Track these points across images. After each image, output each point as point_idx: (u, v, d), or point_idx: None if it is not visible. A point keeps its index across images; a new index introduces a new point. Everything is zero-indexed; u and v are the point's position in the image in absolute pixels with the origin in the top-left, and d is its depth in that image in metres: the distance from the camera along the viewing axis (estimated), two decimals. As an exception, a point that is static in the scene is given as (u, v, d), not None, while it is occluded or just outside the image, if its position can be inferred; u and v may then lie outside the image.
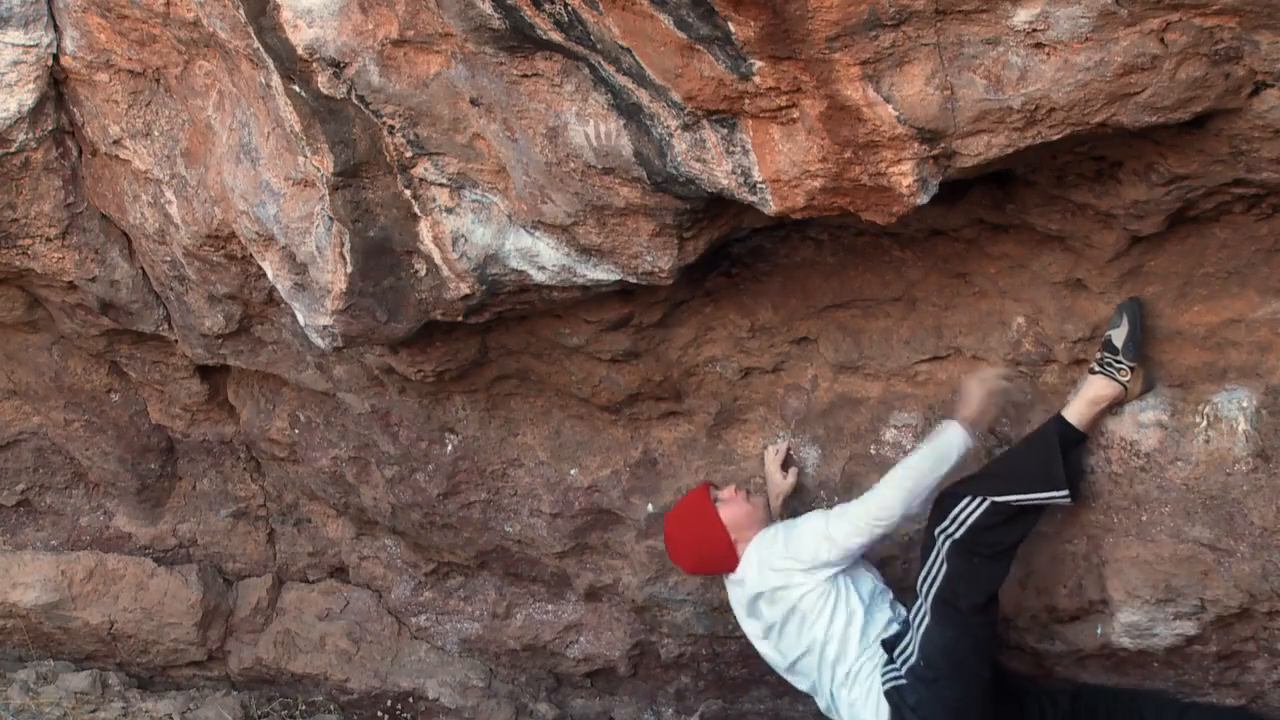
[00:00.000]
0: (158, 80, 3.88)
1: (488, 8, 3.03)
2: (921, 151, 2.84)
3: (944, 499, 3.63)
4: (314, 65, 3.31)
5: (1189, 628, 3.73)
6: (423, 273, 3.64)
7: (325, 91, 3.36)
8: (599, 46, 2.97)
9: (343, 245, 3.63)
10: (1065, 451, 3.56)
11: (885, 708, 3.66)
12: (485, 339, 4.04)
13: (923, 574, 3.65)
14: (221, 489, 5.01)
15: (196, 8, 3.56)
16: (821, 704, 3.93)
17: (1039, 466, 3.56)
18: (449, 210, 3.52)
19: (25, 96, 3.90)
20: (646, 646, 4.69)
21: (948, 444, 3.60)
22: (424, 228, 3.56)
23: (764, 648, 3.96)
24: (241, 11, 3.37)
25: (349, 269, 3.66)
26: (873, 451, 4.03)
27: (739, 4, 2.66)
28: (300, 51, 3.30)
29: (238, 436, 4.85)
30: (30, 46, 3.84)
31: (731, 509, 3.88)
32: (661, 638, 4.61)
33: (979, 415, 3.63)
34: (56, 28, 3.85)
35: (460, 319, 3.74)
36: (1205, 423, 3.57)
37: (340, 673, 5.05)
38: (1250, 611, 3.65)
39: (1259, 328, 3.44)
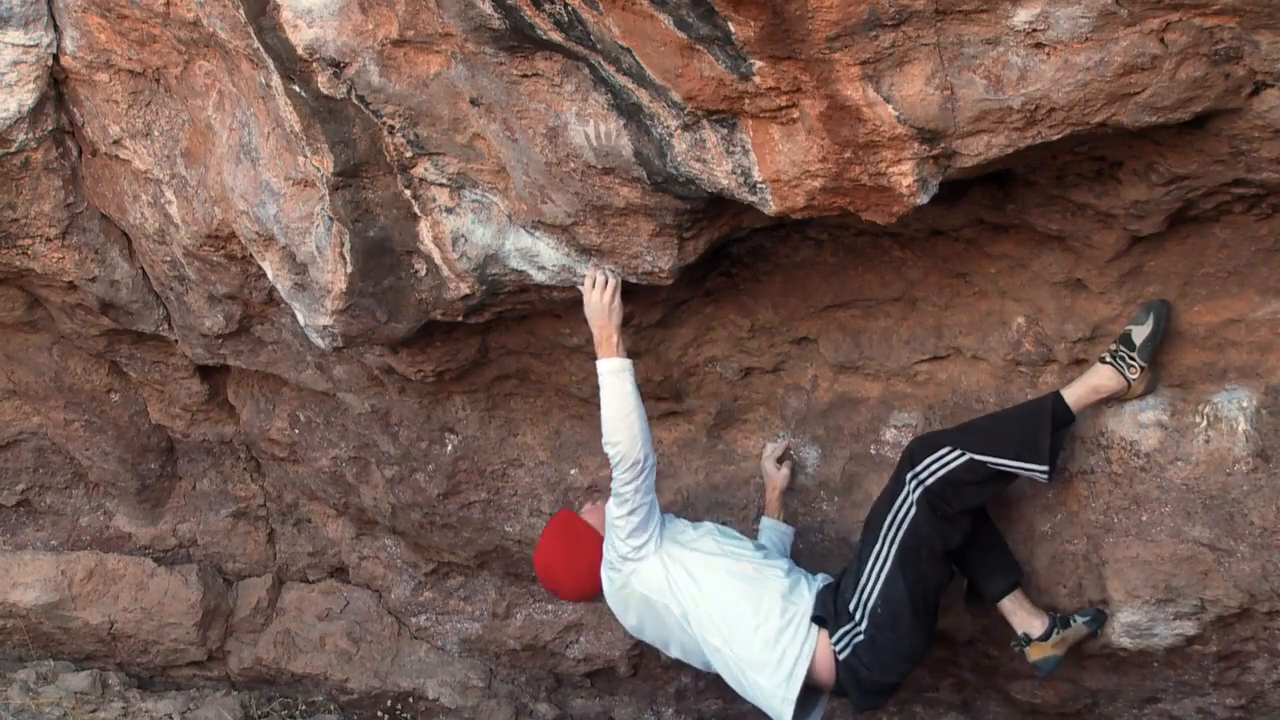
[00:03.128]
0: (158, 80, 3.88)
1: (488, 8, 3.03)
2: (921, 151, 2.84)
3: (920, 445, 3.56)
4: (314, 65, 3.31)
5: (1189, 628, 3.73)
6: (423, 273, 3.64)
7: (325, 91, 3.36)
8: (599, 46, 2.97)
9: (343, 245, 3.63)
10: (1054, 429, 3.52)
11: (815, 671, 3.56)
12: (485, 339, 4.04)
13: (889, 519, 3.55)
14: (221, 489, 5.01)
15: (196, 8, 3.56)
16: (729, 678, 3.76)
17: (1026, 436, 3.51)
18: (449, 210, 3.52)
19: (25, 96, 3.90)
20: (646, 646, 4.69)
21: (602, 375, 3.50)
22: (424, 228, 3.56)
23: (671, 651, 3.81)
24: (241, 11, 3.37)
25: (349, 269, 3.66)
26: (873, 451, 4.03)
27: (739, 4, 2.66)
28: (300, 51, 3.30)
29: (238, 436, 4.85)
30: (30, 46, 3.84)
31: (594, 516, 3.81)
32: (661, 638, 4.61)
33: (601, 338, 3.50)
34: (56, 28, 3.85)
35: (460, 319, 3.74)
36: (1205, 423, 3.57)
37: (340, 673, 5.05)
38: (1250, 611, 3.65)
39: (1259, 328, 3.44)
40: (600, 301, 3.48)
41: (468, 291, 3.62)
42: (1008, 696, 4.27)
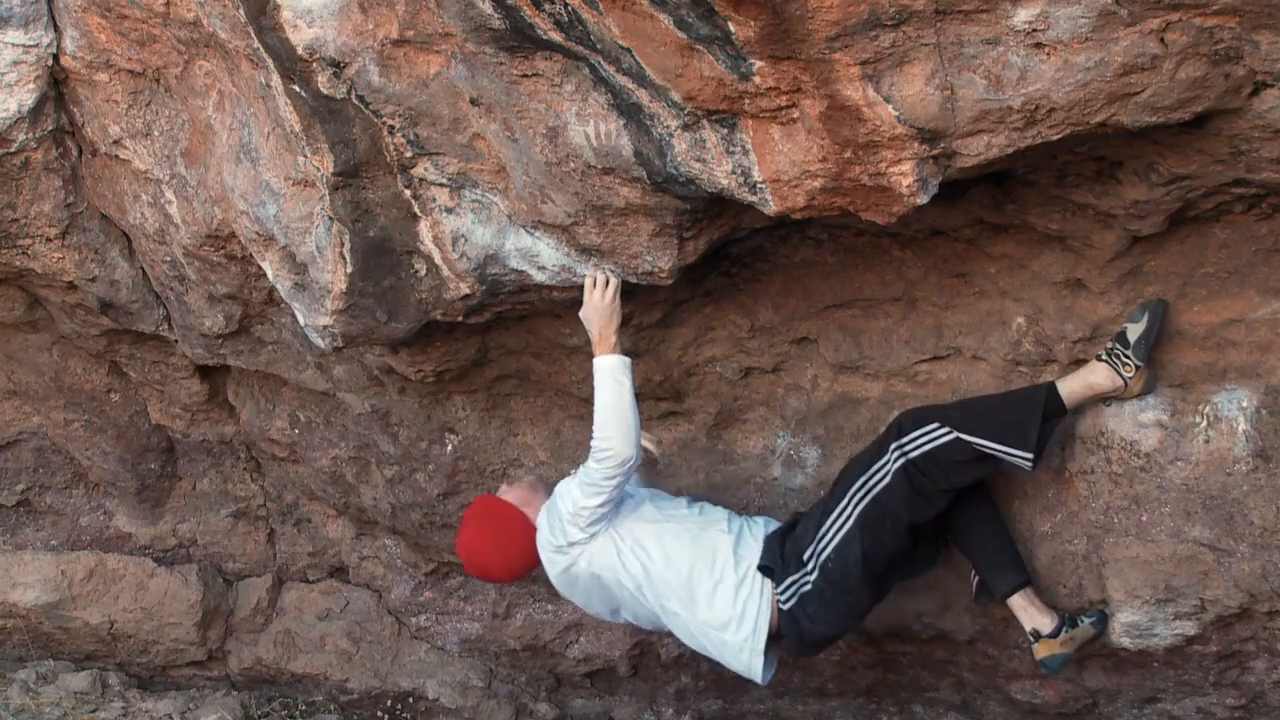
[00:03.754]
0: (158, 80, 3.88)
1: (488, 8, 3.03)
2: (921, 151, 2.84)
3: (909, 418, 3.56)
4: (314, 65, 3.31)
5: (1189, 628, 3.73)
6: (423, 273, 3.64)
7: (325, 91, 3.36)
8: (599, 46, 2.97)
9: (343, 245, 3.63)
10: (1044, 419, 3.51)
11: (766, 623, 3.56)
12: (485, 339, 4.04)
13: (862, 480, 3.55)
14: (221, 489, 5.01)
15: (196, 8, 3.56)
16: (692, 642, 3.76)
17: (1016, 421, 3.50)
18: (449, 210, 3.52)
19: (25, 96, 3.90)
20: (646, 646, 4.69)
21: (603, 373, 3.50)
22: (424, 228, 3.56)
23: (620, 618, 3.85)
24: (241, 11, 3.37)
25: (349, 269, 3.66)
26: (873, 451, 4.03)
27: (739, 4, 2.66)
28: (300, 51, 3.30)
29: (238, 436, 4.85)
30: (30, 46, 3.83)
31: (512, 493, 3.78)
32: (661, 638, 4.61)
33: (601, 336, 3.51)
34: (56, 28, 3.85)
35: (460, 319, 3.74)
36: (1205, 423, 3.57)
37: (340, 673, 5.05)
38: (1250, 611, 3.65)
39: (1259, 328, 3.44)
40: (601, 302, 3.48)
41: (468, 291, 3.62)
42: (1008, 696, 4.27)
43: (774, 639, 3.63)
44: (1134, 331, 3.49)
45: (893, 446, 3.52)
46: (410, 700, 5.02)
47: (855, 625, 3.74)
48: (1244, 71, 2.68)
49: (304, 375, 4.39)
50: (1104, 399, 3.62)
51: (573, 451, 4.32)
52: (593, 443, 3.51)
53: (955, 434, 3.48)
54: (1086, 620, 3.72)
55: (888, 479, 3.52)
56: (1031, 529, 3.85)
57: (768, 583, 3.58)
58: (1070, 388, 3.55)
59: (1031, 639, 3.71)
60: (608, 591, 3.68)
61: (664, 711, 4.90)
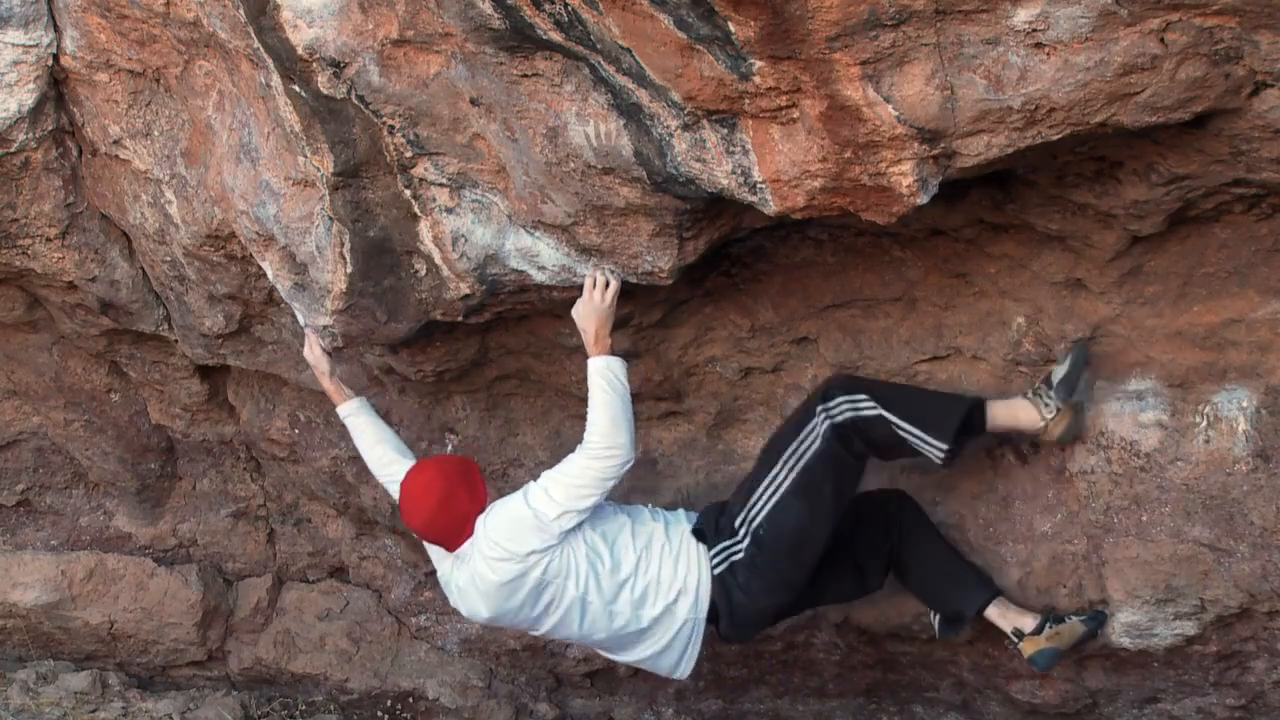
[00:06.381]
0: (158, 80, 3.88)
1: (488, 8, 3.03)
2: (921, 151, 2.84)
3: (838, 384, 3.57)
4: (314, 65, 3.31)
5: (1189, 628, 3.74)
6: (423, 273, 3.64)
7: (325, 91, 3.36)
8: (599, 46, 2.97)
9: (343, 245, 3.63)
10: (964, 423, 3.52)
11: (708, 590, 3.57)
12: (485, 339, 4.04)
13: (793, 446, 3.55)
14: (221, 489, 5.01)
15: (196, 8, 3.56)
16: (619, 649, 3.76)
17: (939, 414, 3.53)
18: (449, 210, 3.52)
19: (25, 96, 3.90)
20: (646, 646, 4.69)
21: (602, 373, 3.50)
22: (424, 228, 3.56)
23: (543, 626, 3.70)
24: (241, 11, 3.37)
25: (349, 269, 3.66)
26: (873, 451, 4.03)
27: (739, 4, 2.66)
28: (300, 51, 3.30)
29: (238, 436, 4.85)
30: (30, 46, 3.84)
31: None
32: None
33: (597, 337, 3.51)
34: (56, 28, 3.85)
35: (460, 319, 3.74)
36: (1205, 423, 3.57)
37: (340, 673, 5.05)
38: (1250, 611, 3.65)
39: (1259, 328, 3.44)
40: (600, 304, 3.48)
41: (468, 291, 3.62)
42: (1008, 696, 4.27)
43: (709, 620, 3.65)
44: (1057, 373, 3.53)
45: (819, 410, 3.54)
46: (410, 700, 5.02)
47: (785, 603, 3.69)
48: (1244, 71, 2.68)
49: (304, 375, 4.39)
50: (1025, 436, 3.66)
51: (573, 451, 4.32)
52: (590, 442, 3.50)
53: (880, 411, 3.50)
54: (1075, 618, 3.72)
55: (817, 443, 3.53)
56: (1031, 529, 3.85)
57: (702, 548, 3.60)
58: (996, 412, 3.58)
59: (1015, 639, 3.73)
60: (541, 600, 3.58)
61: (664, 711, 4.90)
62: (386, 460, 3.87)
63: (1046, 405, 3.55)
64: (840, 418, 3.53)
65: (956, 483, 3.95)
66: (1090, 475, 3.73)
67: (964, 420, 3.51)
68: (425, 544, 3.80)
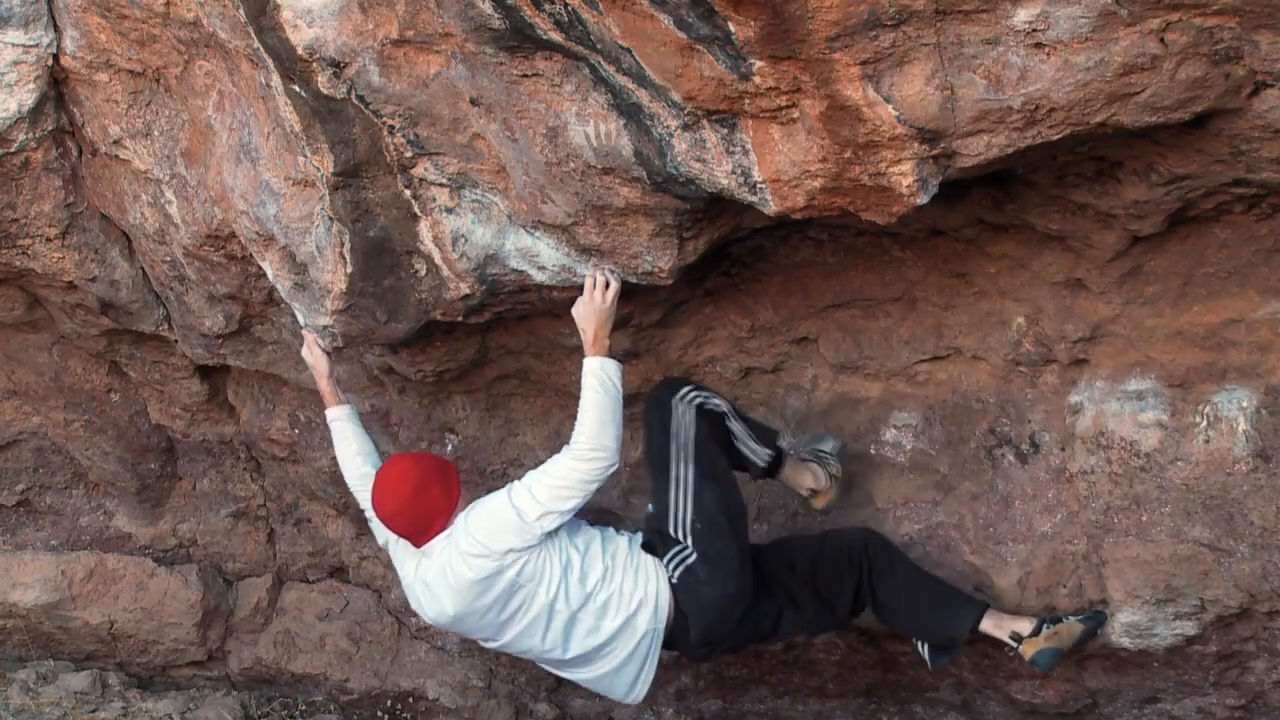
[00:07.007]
0: (158, 80, 3.88)
1: (488, 8, 3.03)
2: (921, 151, 2.84)
3: (686, 382, 3.75)
4: (314, 65, 3.31)
5: (1189, 628, 3.74)
6: (423, 273, 3.64)
7: (325, 91, 3.36)
8: (599, 46, 2.97)
9: (343, 245, 3.63)
10: (776, 455, 3.82)
11: (667, 600, 3.61)
12: (485, 339, 4.04)
13: (674, 447, 3.64)
14: (221, 489, 5.01)
15: (196, 8, 3.56)
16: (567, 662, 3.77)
17: (763, 437, 3.80)
18: (449, 210, 3.52)
19: (25, 96, 3.90)
20: (646, 646, 4.69)
21: (597, 374, 3.50)
22: (424, 228, 3.56)
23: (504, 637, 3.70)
24: (241, 11, 3.37)
25: (349, 269, 3.66)
26: (873, 451, 4.03)
27: (739, 4, 2.66)
28: (300, 51, 3.30)
29: (238, 436, 4.85)
30: (30, 46, 3.83)
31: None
32: (661, 638, 4.61)
33: (596, 337, 3.52)
34: (56, 28, 3.85)
35: (460, 319, 3.74)
36: (1205, 423, 3.57)
37: (340, 673, 5.05)
38: (1250, 611, 3.65)
39: (1259, 328, 3.44)
40: (600, 304, 3.48)
41: (468, 291, 3.62)
42: (1008, 696, 4.27)
43: (669, 641, 3.68)
44: (826, 445, 3.91)
45: (674, 400, 3.65)
46: (410, 700, 5.02)
47: (746, 588, 3.69)
48: (1244, 71, 2.68)
49: (304, 375, 4.39)
50: (804, 494, 3.93)
51: (573, 451, 4.32)
52: (577, 443, 3.49)
53: (725, 412, 3.70)
54: (1072, 618, 3.74)
55: (690, 427, 3.64)
56: (1031, 529, 3.85)
57: (657, 560, 3.65)
58: (786, 470, 3.87)
59: (1014, 643, 3.73)
60: (510, 605, 3.58)
61: (664, 711, 4.89)
62: (364, 473, 3.89)
63: (828, 464, 3.92)
64: (698, 400, 3.67)
65: (956, 483, 3.95)
66: (1090, 475, 3.73)
67: (772, 456, 3.81)
68: (391, 551, 3.81)
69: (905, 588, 3.80)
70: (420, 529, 3.59)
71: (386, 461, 3.71)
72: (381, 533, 3.84)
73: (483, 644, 3.79)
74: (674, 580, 3.61)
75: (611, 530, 3.75)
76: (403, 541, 3.69)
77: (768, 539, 4.10)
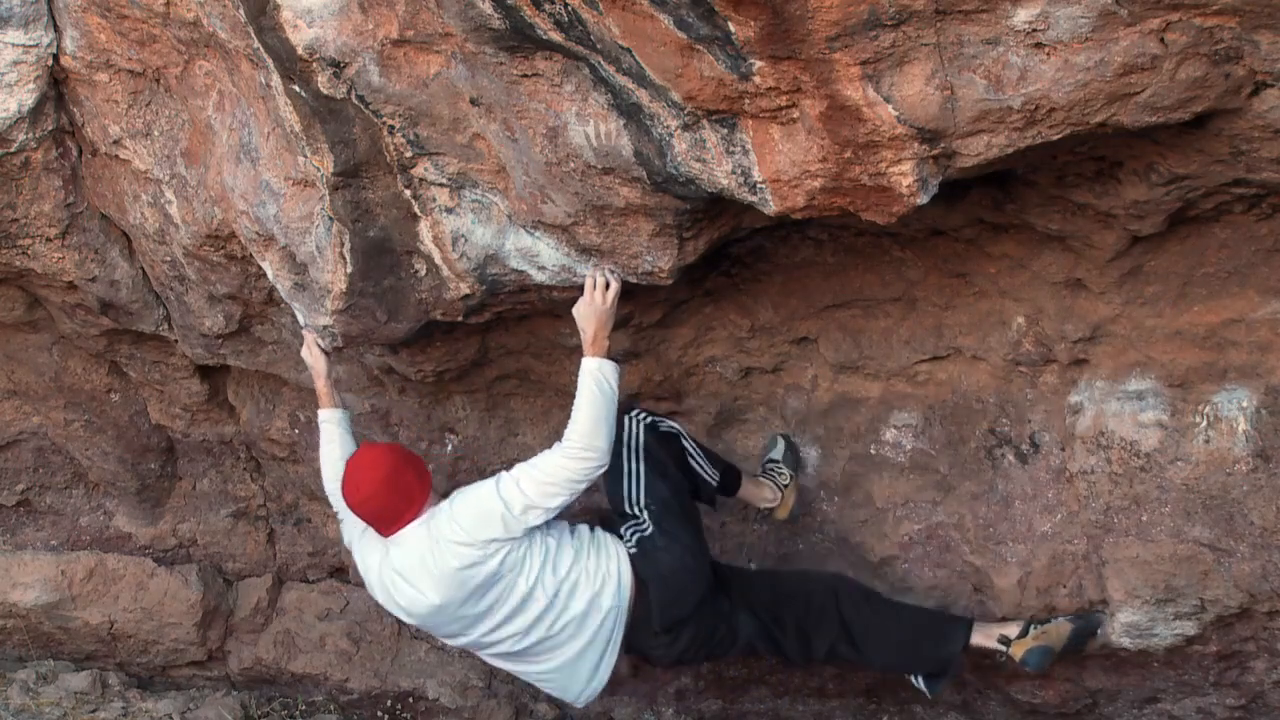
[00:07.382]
0: (158, 80, 3.87)
1: (488, 8, 3.03)
2: (921, 151, 2.84)
3: (631, 404, 3.85)
4: (314, 65, 3.31)
5: (1189, 628, 3.74)
6: (423, 273, 3.64)
7: (325, 91, 3.36)
8: (599, 46, 2.97)
9: (343, 245, 3.63)
10: (726, 476, 3.90)
11: (628, 573, 3.65)
12: (485, 339, 4.04)
13: (624, 453, 3.70)
14: (221, 489, 5.01)
15: (196, 8, 3.56)
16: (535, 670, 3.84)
17: (716, 462, 3.88)
18: (449, 210, 3.52)
19: (25, 96, 3.90)
20: (646, 646, 4.69)
21: (594, 374, 3.51)
22: (424, 228, 3.56)
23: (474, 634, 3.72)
24: (241, 11, 3.37)
25: (349, 269, 3.66)
26: (873, 451, 4.03)
27: (739, 4, 2.66)
28: (300, 51, 3.30)
29: (238, 436, 4.85)
30: (30, 46, 3.83)
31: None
32: (661, 638, 4.61)
33: (595, 337, 3.53)
34: (56, 28, 3.85)
35: (460, 319, 3.74)
36: (1205, 423, 3.57)
37: (340, 673, 5.05)
38: (1250, 611, 3.65)
39: (1259, 328, 3.44)
40: (600, 304, 3.49)
41: (468, 291, 3.62)
42: (1008, 697, 4.27)
43: (632, 628, 3.71)
44: (776, 452, 3.99)
45: (625, 417, 3.72)
46: (410, 700, 5.02)
47: (703, 567, 3.72)
48: (1244, 71, 2.68)
49: (304, 375, 4.39)
50: (759, 510, 4.03)
51: (573, 451, 4.32)
52: (569, 441, 3.50)
53: (679, 432, 3.79)
54: (1062, 618, 3.77)
55: (642, 436, 3.73)
56: (1031, 529, 3.85)
57: (615, 536, 3.71)
58: (744, 488, 3.97)
59: (1004, 647, 3.77)
60: (487, 597, 3.58)
61: (664, 711, 4.89)
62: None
63: (780, 474, 4.01)
64: (650, 419, 3.78)
65: (956, 483, 3.95)
66: (1090, 475, 3.73)
67: (724, 477, 3.89)
68: (355, 548, 3.80)
69: (890, 625, 3.83)
70: (391, 517, 3.58)
71: (356, 450, 3.70)
72: (348, 532, 3.85)
73: (447, 640, 3.80)
74: (632, 550, 3.66)
75: (579, 524, 3.77)
76: (368, 534, 3.69)
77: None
